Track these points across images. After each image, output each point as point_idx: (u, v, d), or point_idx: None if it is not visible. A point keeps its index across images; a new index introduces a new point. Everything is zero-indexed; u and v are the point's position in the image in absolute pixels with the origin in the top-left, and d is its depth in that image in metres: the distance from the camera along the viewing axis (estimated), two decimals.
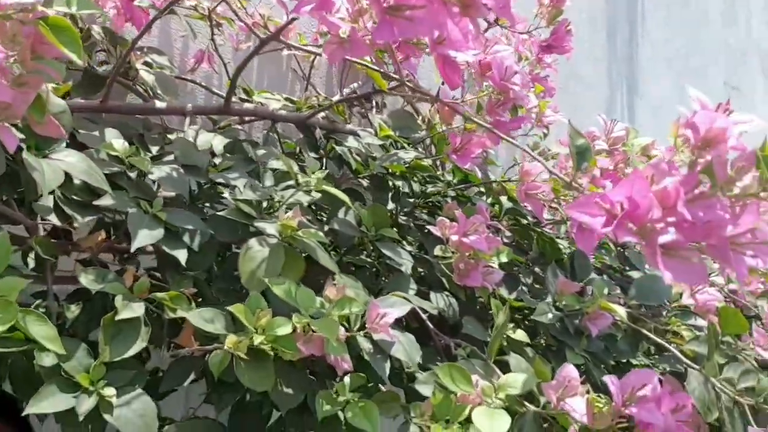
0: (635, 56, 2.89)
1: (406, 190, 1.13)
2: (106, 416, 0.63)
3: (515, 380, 0.67)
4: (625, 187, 0.50)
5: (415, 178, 1.15)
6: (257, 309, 0.64)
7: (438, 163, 1.24)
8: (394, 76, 1.06)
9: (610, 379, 0.58)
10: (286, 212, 0.72)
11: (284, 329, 0.63)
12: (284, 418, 0.77)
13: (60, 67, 0.54)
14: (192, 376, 0.77)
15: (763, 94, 3.90)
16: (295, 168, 0.85)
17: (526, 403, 0.68)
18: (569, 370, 0.64)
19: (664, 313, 0.98)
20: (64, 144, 0.67)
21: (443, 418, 0.65)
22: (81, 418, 0.61)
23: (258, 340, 0.62)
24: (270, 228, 0.73)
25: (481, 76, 0.85)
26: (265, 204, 0.80)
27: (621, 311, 0.87)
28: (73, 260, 0.78)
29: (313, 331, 0.65)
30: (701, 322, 0.94)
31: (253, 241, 0.71)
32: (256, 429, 0.77)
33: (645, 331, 0.93)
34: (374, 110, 1.36)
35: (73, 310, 0.71)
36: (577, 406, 0.61)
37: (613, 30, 2.70)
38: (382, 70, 1.01)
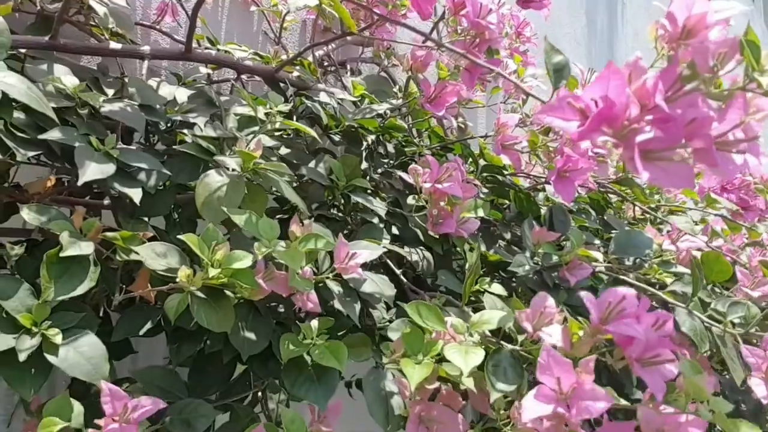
0: (614, 42, 2.88)
1: (381, 150, 1.09)
2: (50, 357, 0.58)
3: (490, 317, 0.64)
4: (599, 84, 0.47)
5: (390, 139, 1.12)
6: (213, 241, 0.59)
7: (414, 132, 1.21)
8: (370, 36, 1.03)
9: (586, 297, 0.54)
10: (248, 146, 0.68)
11: (243, 263, 0.58)
12: (248, 368, 0.74)
13: None
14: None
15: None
16: (261, 112, 0.81)
17: (503, 342, 0.64)
18: (545, 298, 0.60)
19: (646, 265, 0.95)
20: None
21: (414, 354, 0.61)
22: (23, 358, 0.56)
23: (213, 273, 0.57)
24: (230, 161, 0.69)
25: (455, 14, 0.81)
26: (227, 147, 0.75)
27: (599, 256, 0.84)
28: None
29: (277, 267, 0.61)
30: (684, 270, 0.91)
31: (211, 171, 0.67)
32: (218, 381, 0.73)
33: (627, 279, 0.90)
34: (348, 75, 1.32)
35: (16, 251, 0.66)
36: (553, 333, 0.58)
37: (593, 15, 2.69)
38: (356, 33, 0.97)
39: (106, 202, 0.77)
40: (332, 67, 1.28)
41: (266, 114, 0.74)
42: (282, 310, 0.76)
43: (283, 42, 1.23)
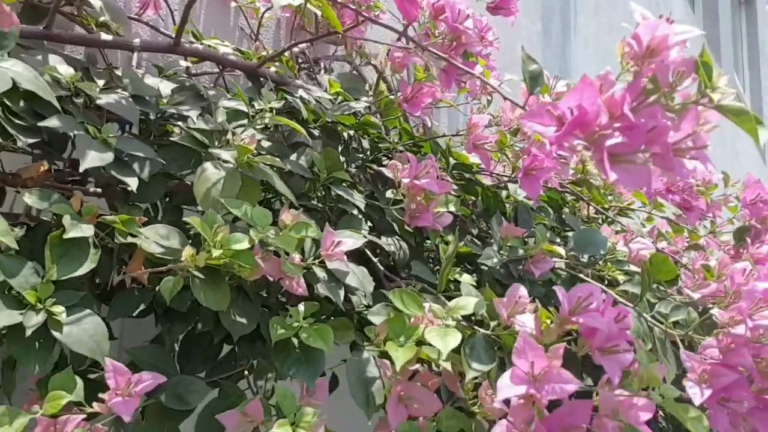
0: (568, 49, 3.00)
1: (355, 145, 1.14)
2: (56, 333, 0.61)
3: (466, 303, 0.70)
4: (574, 95, 0.53)
5: (365, 135, 1.17)
6: (214, 224, 0.63)
7: (384, 129, 1.26)
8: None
9: (559, 290, 0.61)
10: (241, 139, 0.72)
11: (242, 244, 0.63)
12: (235, 349, 0.78)
13: None
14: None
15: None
16: (245, 108, 0.85)
17: (476, 327, 0.70)
18: (519, 289, 0.66)
19: (600, 262, 1.03)
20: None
21: (397, 337, 0.66)
22: (28, 333, 0.59)
23: (216, 253, 0.61)
24: (225, 154, 0.73)
25: (434, 18, 0.87)
26: (217, 141, 0.79)
27: (561, 252, 0.91)
28: None
29: (271, 251, 0.66)
30: (634, 269, 0.99)
31: (208, 164, 0.71)
32: (206, 360, 0.77)
33: (582, 276, 0.97)
34: (322, 72, 1.37)
35: (17, 232, 0.68)
36: (527, 321, 0.64)
37: (548, 22, 2.80)
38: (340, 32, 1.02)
39: (91, 189, 0.80)
40: (306, 64, 1.33)
41: (259, 110, 0.78)
42: (266, 296, 0.80)
43: (260, 38, 1.27)
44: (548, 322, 0.66)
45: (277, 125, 0.93)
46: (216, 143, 0.77)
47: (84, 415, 0.60)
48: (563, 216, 1.34)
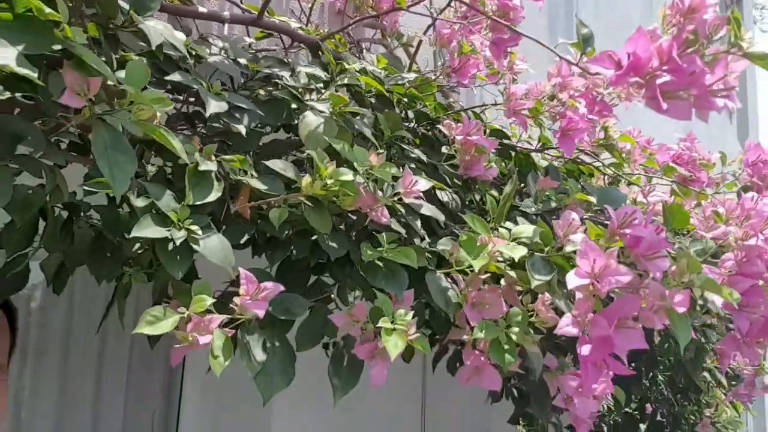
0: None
1: (403, 115, 1.27)
2: (195, 246, 0.74)
3: (525, 229, 0.83)
4: (630, 44, 0.67)
5: (410, 107, 1.30)
6: (323, 159, 0.76)
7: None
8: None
9: (608, 208, 0.74)
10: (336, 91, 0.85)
11: (348, 176, 0.76)
12: (319, 279, 0.90)
13: None
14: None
15: None
16: (320, 73, 0.98)
17: (535, 251, 0.84)
18: (571, 214, 0.80)
19: None
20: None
21: (470, 254, 0.80)
22: (177, 244, 0.71)
23: (330, 181, 0.74)
24: (320, 105, 0.85)
25: None
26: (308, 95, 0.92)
27: (593, 200, 1.05)
28: None
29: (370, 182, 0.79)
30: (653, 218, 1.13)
31: (308, 112, 0.83)
32: (299, 286, 0.89)
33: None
34: (364, 52, 1.50)
35: (153, 166, 0.80)
36: (577, 239, 0.78)
37: (554, 19, 2.95)
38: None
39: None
40: (351, 44, 1.46)
41: (341, 71, 0.91)
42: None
43: (311, 20, 1.40)
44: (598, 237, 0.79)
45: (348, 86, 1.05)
46: (310, 97, 0.90)
47: (226, 316, 0.72)
48: (581, 184, 1.48)
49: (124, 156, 0.59)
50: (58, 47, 0.52)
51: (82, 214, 0.84)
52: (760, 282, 0.83)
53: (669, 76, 0.65)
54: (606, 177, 1.49)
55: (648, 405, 2.43)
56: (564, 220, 0.80)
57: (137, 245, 0.81)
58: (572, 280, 0.71)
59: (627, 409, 2.42)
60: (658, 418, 2.46)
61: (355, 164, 0.77)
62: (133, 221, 0.78)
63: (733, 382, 2.27)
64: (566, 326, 0.70)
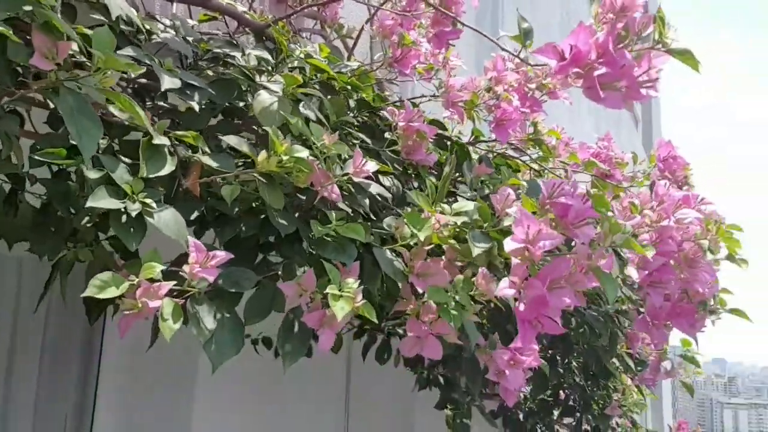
0: (497, 48, 3.29)
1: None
2: (149, 219, 0.74)
3: (465, 205, 0.89)
4: (572, 37, 0.73)
5: (351, 96, 1.33)
6: (278, 136, 0.78)
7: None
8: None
9: (540, 182, 0.81)
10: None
11: (303, 153, 0.78)
12: (275, 250, 0.92)
13: None
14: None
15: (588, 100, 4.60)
16: (268, 56, 1.00)
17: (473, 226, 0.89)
18: (507, 190, 0.86)
19: None
20: None
21: (414, 226, 0.84)
22: (133, 216, 0.72)
23: (285, 158, 0.76)
24: (273, 86, 0.87)
25: None
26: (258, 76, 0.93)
27: (524, 183, 1.12)
28: None
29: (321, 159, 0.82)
30: None
31: (262, 91, 0.85)
32: (246, 262, 0.91)
33: None
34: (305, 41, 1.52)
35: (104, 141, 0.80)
36: (513, 211, 0.84)
37: (482, 19, 3.06)
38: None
39: None
40: (292, 33, 1.47)
41: (289, 55, 0.93)
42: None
43: (253, 6, 1.40)
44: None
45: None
46: (258, 78, 0.92)
47: (174, 282, 0.73)
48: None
49: (90, 121, 0.60)
50: (29, 8, 0.52)
51: (27, 185, 0.82)
52: (672, 261, 0.92)
53: (605, 69, 0.72)
54: (531, 171, 1.58)
55: (561, 391, 2.58)
56: (501, 195, 0.86)
57: (86, 218, 0.80)
58: (509, 244, 0.77)
59: (542, 396, 2.55)
60: (570, 402, 2.62)
61: (311, 140, 0.80)
62: (82, 194, 0.78)
63: (639, 368, 2.46)
64: (504, 288, 0.76)
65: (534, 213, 0.83)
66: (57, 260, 0.89)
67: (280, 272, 0.93)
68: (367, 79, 1.37)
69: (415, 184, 1.24)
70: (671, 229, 0.89)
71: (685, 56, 0.71)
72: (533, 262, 0.76)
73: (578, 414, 2.64)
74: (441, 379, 2.07)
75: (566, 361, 2.38)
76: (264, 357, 1.66)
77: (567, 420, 2.72)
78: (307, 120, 0.88)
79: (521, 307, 0.76)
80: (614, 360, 2.36)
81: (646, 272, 0.87)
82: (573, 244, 0.83)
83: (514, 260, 0.78)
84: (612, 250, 0.82)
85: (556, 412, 2.61)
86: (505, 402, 1.12)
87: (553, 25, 4.10)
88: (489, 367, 1.11)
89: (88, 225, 0.81)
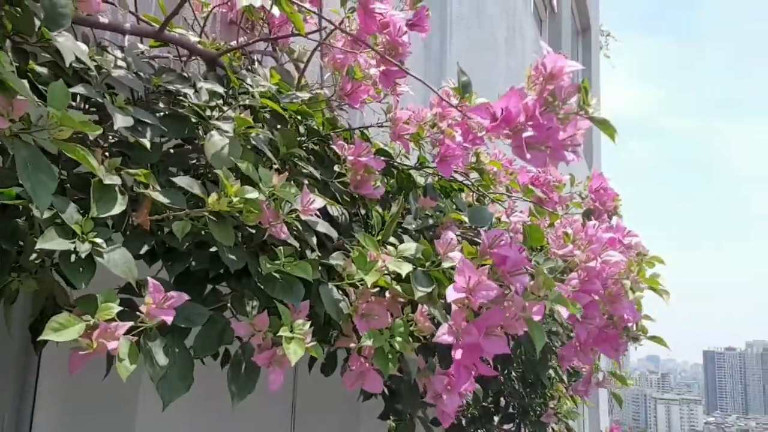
0: (444, 60, 3.37)
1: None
2: (98, 259, 0.76)
3: (410, 246, 0.94)
4: (504, 101, 0.79)
5: (302, 121, 1.37)
6: (229, 178, 0.82)
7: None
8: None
9: (482, 232, 0.87)
10: (240, 113, 0.90)
11: (253, 194, 0.82)
12: (215, 288, 0.95)
13: None
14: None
15: None
16: (219, 89, 1.03)
17: (416, 266, 0.95)
18: (450, 234, 0.92)
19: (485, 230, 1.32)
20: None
21: (361, 269, 0.89)
22: (83, 256, 0.74)
23: (235, 199, 0.80)
24: (225, 125, 0.91)
25: (380, 31, 1.10)
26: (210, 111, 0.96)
27: (465, 218, 1.18)
28: None
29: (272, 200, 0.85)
30: (514, 236, 1.29)
31: (214, 132, 0.88)
32: (198, 290, 0.94)
33: (477, 239, 1.26)
34: (256, 64, 1.54)
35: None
36: (455, 255, 0.90)
37: (429, 37, 3.14)
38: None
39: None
40: (243, 55, 1.50)
41: (241, 92, 0.97)
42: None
43: (205, 30, 1.42)
44: (470, 256, 0.92)
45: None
46: (212, 114, 0.95)
47: (131, 322, 0.76)
48: (453, 199, 1.63)
49: (45, 174, 0.62)
50: None
51: None
52: (596, 297, 1.00)
53: (532, 131, 0.78)
54: (474, 193, 1.65)
55: (502, 398, 2.68)
56: (444, 240, 0.92)
57: (34, 255, 0.82)
58: (451, 294, 0.83)
59: (484, 403, 2.65)
60: (510, 410, 2.72)
61: (260, 185, 0.83)
62: (30, 232, 0.80)
63: (573, 379, 2.58)
64: (443, 335, 0.82)
65: (473, 258, 0.89)
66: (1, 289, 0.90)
67: (229, 304, 0.97)
68: (317, 105, 1.41)
69: (362, 211, 1.29)
70: (596, 270, 0.97)
71: (604, 125, 0.78)
72: (471, 310, 0.83)
73: (517, 420, 2.75)
74: (386, 390, 2.13)
75: (506, 371, 2.48)
76: (209, 363, 1.67)
77: (507, 426, 2.82)
78: (256, 162, 0.92)
79: (458, 354, 0.82)
80: (550, 371, 2.47)
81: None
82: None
83: (454, 306, 0.83)
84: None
85: (496, 419, 2.71)
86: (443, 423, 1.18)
87: (499, 40, 4.22)
88: (427, 389, 1.17)
89: (36, 261, 0.82)
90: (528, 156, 0.77)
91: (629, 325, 1.23)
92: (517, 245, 0.89)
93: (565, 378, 2.33)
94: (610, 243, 1.00)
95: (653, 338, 1.26)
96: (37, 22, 0.74)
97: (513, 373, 2.55)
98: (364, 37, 1.03)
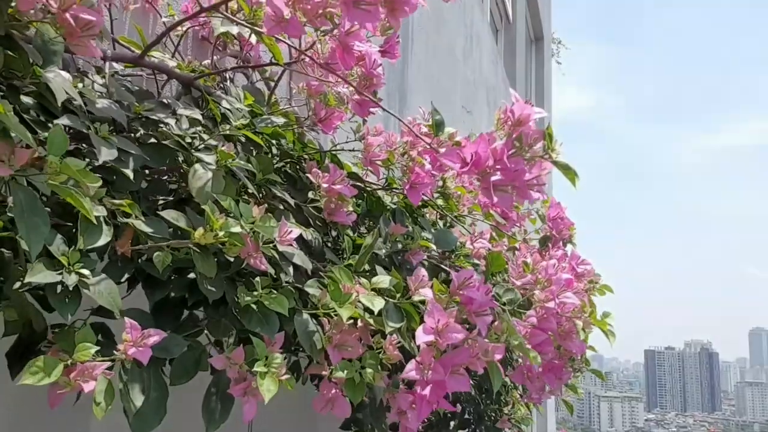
0: (406, 71, 3.44)
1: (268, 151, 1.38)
2: (85, 291, 0.79)
3: (383, 279, 0.99)
4: (474, 145, 0.85)
5: (275, 144, 1.40)
6: (214, 212, 0.85)
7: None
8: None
9: (452, 272, 0.93)
10: (222, 145, 0.94)
11: (236, 228, 0.85)
12: (192, 314, 0.98)
13: None
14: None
15: (487, 119, 4.92)
16: (198, 115, 1.06)
17: (388, 298, 1.00)
18: (421, 271, 0.97)
19: (453, 256, 1.38)
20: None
21: (336, 301, 0.93)
22: (70, 288, 0.76)
23: (221, 233, 0.83)
24: (207, 158, 0.94)
25: (356, 63, 1.14)
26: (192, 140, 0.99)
27: (433, 246, 1.24)
28: None
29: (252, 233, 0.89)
30: (476, 262, 1.36)
31: (197, 166, 0.91)
32: (173, 321, 0.96)
33: (442, 266, 1.32)
34: (228, 82, 1.57)
35: None
36: (428, 293, 0.95)
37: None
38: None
39: None
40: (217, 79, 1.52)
41: (225, 120, 1.00)
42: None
43: (169, 48, 1.44)
44: (440, 294, 0.97)
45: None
46: (195, 143, 0.98)
47: (110, 363, 0.78)
48: (418, 219, 1.68)
49: (39, 218, 0.64)
50: None
51: None
52: (550, 334, 1.07)
53: (500, 175, 0.84)
54: (437, 212, 1.71)
55: (458, 404, 2.76)
56: (416, 277, 0.97)
57: (18, 284, 0.83)
58: (420, 336, 0.88)
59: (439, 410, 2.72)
60: (466, 416, 2.80)
61: (240, 222, 0.87)
62: (15, 262, 0.81)
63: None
64: (411, 371, 0.87)
65: (443, 295, 0.94)
66: None
67: (206, 330, 1.00)
68: (288, 124, 1.45)
69: (333, 233, 1.33)
70: (554, 309, 1.04)
71: (566, 170, 0.84)
72: (438, 350, 0.88)
73: (473, 426, 2.83)
74: None
75: None
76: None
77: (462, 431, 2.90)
78: (238, 190, 0.95)
79: (426, 391, 0.87)
80: (506, 378, 2.56)
81: (529, 346, 1.02)
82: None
83: (423, 345, 0.89)
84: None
85: (453, 424, 2.79)
86: None
87: (457, 48, 4.34)
88: (392, 405, 1.22)
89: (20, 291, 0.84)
90: (495, 199, 0.83)
91: (574, 356, 1.31)
92: (484, 286, 0.95)
93: (519, 386, 2.42)
94: (567, 284, 1.07)
95: (594, 371, 1.35)
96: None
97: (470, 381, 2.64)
98: (339, 68, 1.07)
